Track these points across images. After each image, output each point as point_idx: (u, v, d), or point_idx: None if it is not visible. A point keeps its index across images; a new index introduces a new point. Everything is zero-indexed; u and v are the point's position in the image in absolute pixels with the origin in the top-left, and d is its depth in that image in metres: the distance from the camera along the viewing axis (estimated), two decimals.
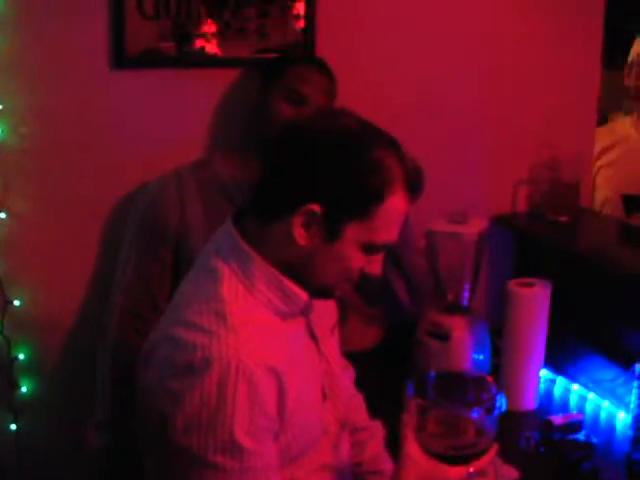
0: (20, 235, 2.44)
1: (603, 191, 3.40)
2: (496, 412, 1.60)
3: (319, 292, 1.64)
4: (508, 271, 2.91)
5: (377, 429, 2.09)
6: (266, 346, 1.52)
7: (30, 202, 2.45)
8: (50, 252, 2.50)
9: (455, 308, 2.69)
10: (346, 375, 2.04)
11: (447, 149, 2.90)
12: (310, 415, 1.66)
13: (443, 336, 2.63)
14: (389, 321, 2.80)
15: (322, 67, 2.46)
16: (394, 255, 2.64)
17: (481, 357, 2.66)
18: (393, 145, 1.56)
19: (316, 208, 1.50)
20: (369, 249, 1.56)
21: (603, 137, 3.40)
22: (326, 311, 1.81)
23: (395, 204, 1.53)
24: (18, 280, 2.47)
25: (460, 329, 2.63)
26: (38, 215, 2.47)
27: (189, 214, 2.36)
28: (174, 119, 2.56)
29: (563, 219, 2.96)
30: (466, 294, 2.71)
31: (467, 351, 2.63)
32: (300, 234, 1.53)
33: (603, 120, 3.47)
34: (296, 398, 1.56)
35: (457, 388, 1.69)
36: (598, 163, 3.41)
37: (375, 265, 1.62)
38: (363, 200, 1.51)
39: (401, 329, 2.75)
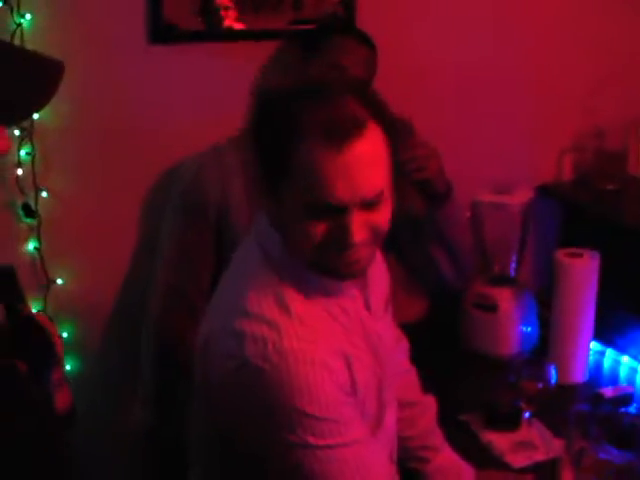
0: (61, 214, 2.44)
1: None
2: None
3: (321, 269, 1.55)
4: (554, 241, 2.87)
5: (430, 404, 2.06)
6: (330, 330, 1.52)
7: (71, 181, 2.45)
8: (91, 231, 2.50)
9: (502, 279, 2.66)
10: (401, 348, 2.02)
11: (491, 119, 2.86)
12: (370, 391, 1.64)
13: (490, 308, 2.60)
14: (433, 294, 2.77)
15: (361, 36, 2.41)
16: (438, 229, 2.60)
17: (529, 329, 2.63)
18: (316, 94, 1.46)
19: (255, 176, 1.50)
20: (311, 211, 1.44)
21: None
22: (380, 285, 1.76)
23: (309, 156, 1.41)
24: (60, 259, 2.47)
25: (507, 300, 2.60)
26: (79, 194, 2.46)
27: (230, 192, 2.32)
28: (212, 94, 2.54)
29: (610, 187, 2.91)
30: (512, 265, 2.68)
31: (514, 323, 2.60)
32: (263, 203, 1.54)
33: None
34: (362, 375, 1.57)
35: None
36: None
37: (342, 233, 1.46)
38: (274, 156, 1.45)
39: (445, 302, 2.72)
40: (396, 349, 1.95)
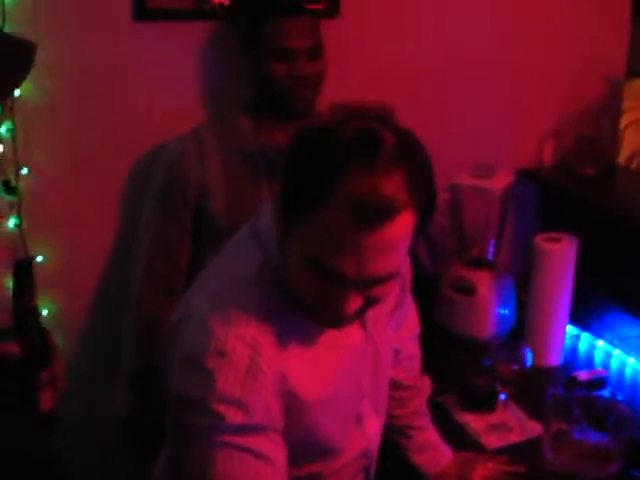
0: (42, 191, 2.43)
1: (631, 145, 3.35)
2: None
3: (307, 311, 1.51)
4: (534, 226, 2.87)
5: (424, 386, 2.09)
6: (287, 352, 1.48)
7: (52, 158, 2.43)
8: (72, 208, 2.49)
9: (480, 263, 2.68)
10: (411, 334, 2.03)
11: (472, 102, 2.87)
12: (339, 413, 1.62)
13: (468, 290, 2.62)
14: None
15: (297, 10, 2.35)
16: None
17: (506, 312, 2.66)
18: (370, 162, 1.30)
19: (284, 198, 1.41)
20: (313, 265, 1.36)
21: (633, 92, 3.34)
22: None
23: (332, 221, 1.31)
24: (41, 236, 2.46)
25: (485, 283, 2.62)
26: (60, 171, 2.45)
27: (209, 176, 2.33)
28: (196, 74, 2.53)
29: (590, 172, 2.92)
30: (491, 249, 2.70)
31: (492, 306, 2.63)
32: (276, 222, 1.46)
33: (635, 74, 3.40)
34: (318, 404, 1.53)
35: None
36: (627, 118, 3.35)
37: (335, 299, 1.40)
38: (302, 196, 1.35)
39: (424, 285, 2.73)
40: (405, 333, 1.96)
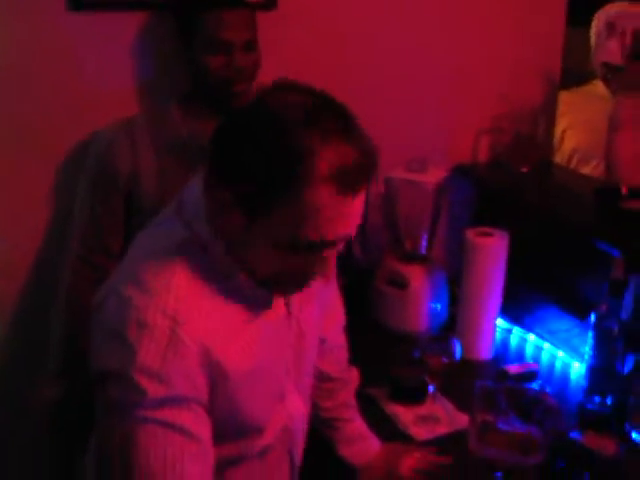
0: None
1: (570, 145, 3.39)
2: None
3: (267, 286, 1.55)
4: (467, 221, 2.89)
5: (352, 378, 2.11)
6: (208, 324, 1.48)
7: None
8: (3, 196, 2.45)
9: (413, 257, 2.69)
10: (337, 324, 2.04)
11: (409, 97, 2.87)
12: (263, 389, 1.62)
13: (401, 284, 2.63)
14: (344, 271, 2.78)
15: (235, 3, 2.32)
16: None
17: (439, 306, 2.67)
18: (330, 134, 1.37)
19: (227, 196, 1.42)
20: (294, 247, 1.42)
21: (575, 96, 3.39)
22: None
23: (314, 199, 1.36)
24: None
25: (418, 278, 2.64)
26: None
27: (141, 164, 2.32)
28: (129, 65, 2.50)
29: (524, 170, 2.96)
30: (424, 243, 2.71)
31: (424, 300, 2.64)
32: (220, 220, 1.47)
33: (576, 80, 3.45)
34: (241, 378, 1.53)
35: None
36: (566, 120, 3.39)
37: (320, 267, 1.49)
38: (270, 192, 1.37)
39: (357, 278, 2.74)
40: (331, 324, 1.97)
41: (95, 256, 2.35)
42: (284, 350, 1.68)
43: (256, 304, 1.57)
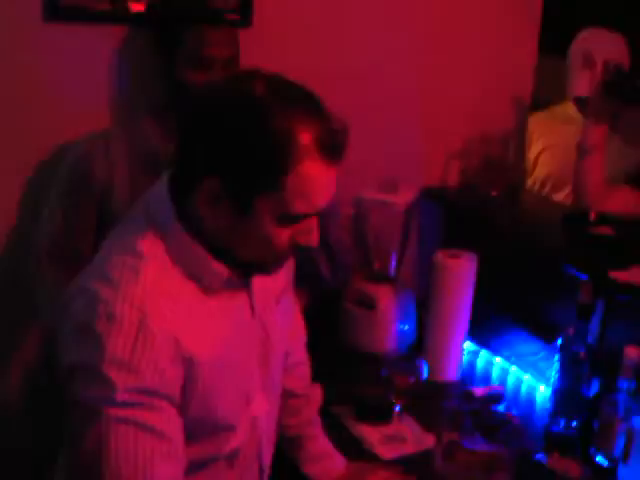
0: None
1: (544, 170, 3.41)
2: None
3: (249, 268, 1.60)
4: (437, 243, 2.90)
5: (315, 395, 2.10)
6: (177, 315, 1.48)
7: None
8: None
9: (381, 277, 2.69)
10: (298, 340, 2.04)
11: (380, 119, 2.88)
12: (230, 387, 1.63)
13: (369, 305, 2.63)
14: (312, 290, 2.78)
15: (218, 20, 2.37)
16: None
17: (406, 327, 2.67)
18: (305, 110, 1.45)
19: (215, 182, 1.44)
20: (287, 221, 1.48)
21: (548, 117, 3.41)
22: (273, 279, 1.73)
23: (307, 173, 1.43)
24: None
25: (386, 298, 2.63)
26: None
27: (115, 174, 2.31)
28: (103, 77, 2.49)
29: (494, 194, 2.97)
30: (393, 264, 2.71)
31: (392, 321, 2.63)
32: (205, 211, 1.48)
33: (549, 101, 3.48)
34: (209, 372, 1.54)
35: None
36: (541, 143, 3.40)
37: (309, 236, 1.54)
38: (266, 173, 1.42)
39: (325, 298, 2.74)
40: (293, 340, 1.97)
41: (65, 253, 2.33)
42: (250, 350, 1.69)
43: (225, 294, 1.58)
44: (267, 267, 1.61)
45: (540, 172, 3.37)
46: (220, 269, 1.55)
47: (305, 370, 2.08)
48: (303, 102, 1.46)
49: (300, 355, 2.06)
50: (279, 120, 1.41)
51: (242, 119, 1.42)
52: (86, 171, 2.32)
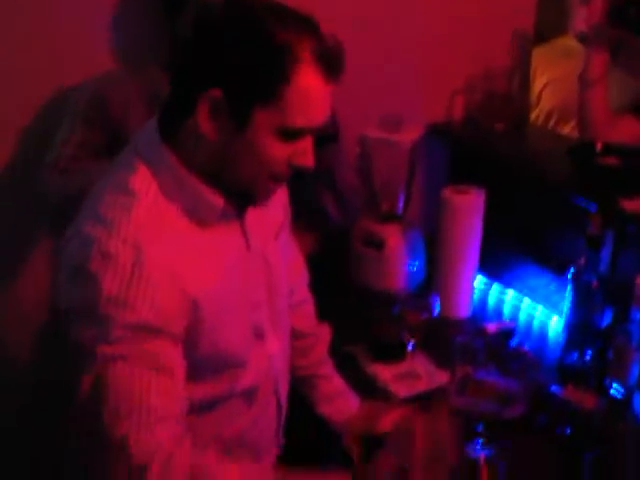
0: None
1: (548, 105, 3.38)
2: None
3: (243, 195, 1.59)
4: (443, 181, 2.87)
5: (323, 334, 2.09)
6: (172, 251, 1.48)
7: None
8: None
9: (389, 217, 2.67)
10: (300, 278, 2.04)
11: (382, 57, 2.84)
12: (236, 322, 1.63)
13: (377, 245, 2.61)
14: (321, 231, 2.77)
15: None
16: (325, 170, 2.60)
17: (415, 266, 2.66)
18: (303, 24, 1.47)
19: (217, 93, 1.43)
20: (286, 135, 1.48)
21: (552, 50, 3.37)
22: (269, 215, 1.75)
23: (306, 84, 1.44)
24: None
25: (394, 237, 2.62)
26: None
27: (131, 114, 2.30)
28: (113, 23, 2.47)
29: (499, 128, 2.94)
30: (401, 203, 2.69)
31: (401, 260, 2.62)
32: (207, 126, 1.47)
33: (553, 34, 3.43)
34: (212, 307, 1.54)
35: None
36: (545, 77, 3.37)
37: (304, 157, 1.54)
38: (266, 81, 1.43)
39: (334, 239, 2.73)
40: (295, 277, 1.97)
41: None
42: (255, 285, 1.70)
43: (219, 228, 1.58)
44: (260, 193, 1.60)
45: (545, 106, 3.33)
46: (214, 199, 1.54)
47: (310, 308, 2.07)
48: (302, 20, 1.47)
49: (303, 293, 2.05)
50: (279, 31, 1.42)
51: (243, 29, 1.43)
52: (104, 100, 2.32)
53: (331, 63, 1.46)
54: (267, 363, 1.74)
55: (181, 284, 1.47)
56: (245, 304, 1.66)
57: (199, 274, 1.51)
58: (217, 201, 1.55)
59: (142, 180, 1.50)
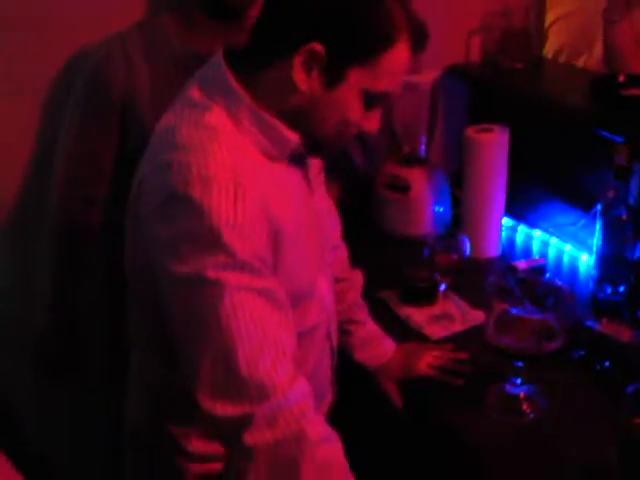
0: None
1: (558, 40, 3.33)
2: None
3: (311, 146, 1.58)
4: (464, 121, 2.83)
5: (357, 279, 2.08)
6: (260, 180, 1.46)
7: None
8: None
9: (413, 160, 2.66)
10: (332, 222, 2.02)
11: None
12: (305, 258, 1.62)
13: (402, 188, 2.60)
14: (344, 177, 2.75)
15: None
16: None
17: (441, 209, 2.64)
18: (405, 2, 1.50)
19: (319, 47, 1.42)
20: (369, 98, 1.50)
21: None
22: (314, 163, 1.77)
23: (401, 52, 1.48)
24: None
25: (419, 180, 2.60)
26: None
27: (136, 82, 2.18)
28: None
29: (517, 66, 2.90)
30: (423, 146, 2.67)
31: (426, 202, 2.61)
32: (300, 77, 1.45)
33: None
34: (289, 241, 1.51)
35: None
36: (553, 14, 3.32)
37: (372, 121, 1.57)
38: (371, 43, 1.45)
39: (357, 184, 2.71)
40: (329, 222, 1.96)
41: (87, 176, 2.24)
42: (315, 225, 1.70)
43: (289, 169, 1.59)
44: (327, 148, 1.62)
45: (554, 42, 3.29)
46: (290, 134, 1.52)
47: (343, 253, 2.06)
48: None
49: (336, 238, 2.04)
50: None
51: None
52: (103, 75, 2.18)
53: (422, 39, 1.52)
54: (320, 304, 1.72)
55: (269, 214, 1.45)
56: (311, 241, 1.65)
57: (282, 204, 1.49)
58: (292, 136, 1.53)
59: (218, 117, 1.47)
